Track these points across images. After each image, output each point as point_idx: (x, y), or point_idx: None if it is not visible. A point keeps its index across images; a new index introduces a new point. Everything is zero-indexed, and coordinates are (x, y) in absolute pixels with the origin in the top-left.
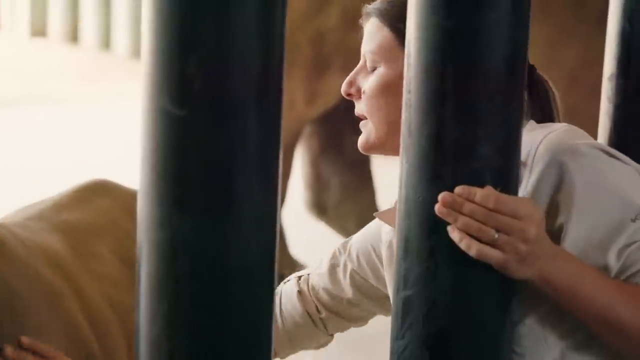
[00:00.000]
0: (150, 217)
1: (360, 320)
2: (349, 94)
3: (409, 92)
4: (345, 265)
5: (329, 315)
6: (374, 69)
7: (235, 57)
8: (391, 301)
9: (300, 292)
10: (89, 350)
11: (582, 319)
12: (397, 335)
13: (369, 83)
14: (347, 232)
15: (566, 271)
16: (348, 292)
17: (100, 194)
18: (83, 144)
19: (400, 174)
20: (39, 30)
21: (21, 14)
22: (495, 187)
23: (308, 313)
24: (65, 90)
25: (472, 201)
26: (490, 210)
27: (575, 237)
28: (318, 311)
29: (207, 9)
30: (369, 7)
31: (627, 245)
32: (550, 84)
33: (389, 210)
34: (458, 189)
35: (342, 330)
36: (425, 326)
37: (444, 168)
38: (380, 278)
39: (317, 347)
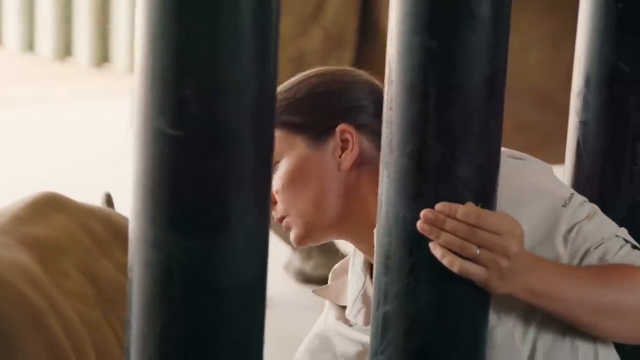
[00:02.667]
0: (143, 238)
1: None
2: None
3: (390, 109)
4: None
5: None
6: (276, 168)
7: (230, 80)
8: (371, 316)
9: None
10: None
11: (572, 317)
12: (377, 350)
13: (275, 180)
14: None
15: (546, 277)
16: None
17: (54, 209)
18: (7, 147)
19: (381, 190)
20: None
21: None
22: (476, 203)
23: None
24: None
25: (454, 218)
26: (472, 226)
27: None
28: None
29: (202, 33)
30: None
31: (569, 231)
32: None
33: (327, 286)
34: (439, 206)
35: None
36: (405, 342)
37: (425, 186)
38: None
39: None
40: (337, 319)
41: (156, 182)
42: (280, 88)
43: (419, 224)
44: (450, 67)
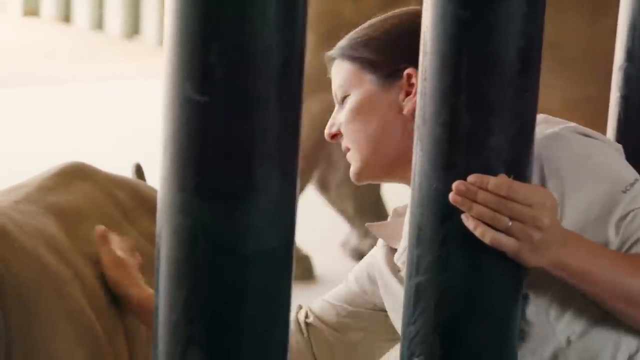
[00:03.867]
0: (171, 203)
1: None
2: (332, 135)
3: (425, 79)
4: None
5: (316, 322)
6: (345, 101)
7: (256, 46)
8: (404, 288)
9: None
10: (94, 333)
11: (601, 299)
12: (409, 320)
13: (343, 113)
14: (345, 214)
15: (579, 255)
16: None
17: (80, 178)
18: (74, 125)
19: (414, 162)
20: (31, 10)
21: None
22: (508, 175)
23: (297, 320)
24: (57, 70)
25: (485, 189)
26: (504, 198)
27: (572, 217)
28: (306, 316)
29: None
30: (328, 53)
31: (623, 217)
32: None
33: (383, 223)
34: (471, 177)
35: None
36: (436, 313)
37: (458, 157)
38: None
39: None
40: (386, 264)
41: (183, 147)
42: (365, 24)
43: (451, 195)
44: (483, 37)
